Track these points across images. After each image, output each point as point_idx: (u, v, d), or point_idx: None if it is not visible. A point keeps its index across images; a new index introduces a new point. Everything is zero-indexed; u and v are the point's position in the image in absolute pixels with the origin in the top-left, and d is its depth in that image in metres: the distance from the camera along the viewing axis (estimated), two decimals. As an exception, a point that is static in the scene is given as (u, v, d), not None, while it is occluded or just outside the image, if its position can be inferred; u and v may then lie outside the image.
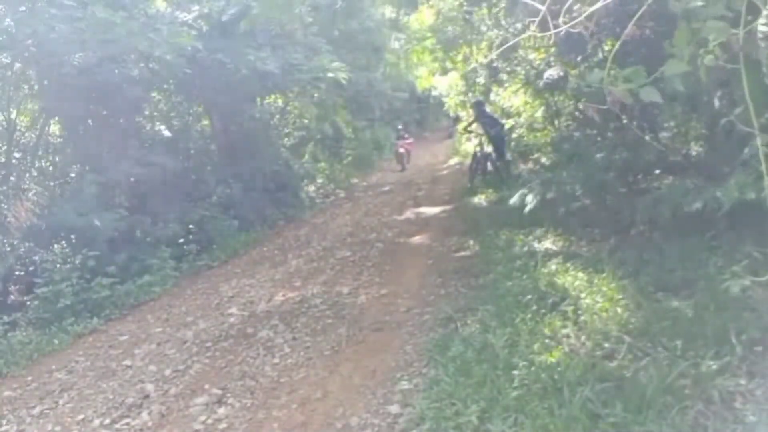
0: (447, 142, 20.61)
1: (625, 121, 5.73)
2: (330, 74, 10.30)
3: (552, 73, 7.00)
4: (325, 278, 6.63)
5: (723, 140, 4.30)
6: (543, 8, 1.94)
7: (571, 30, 2.02)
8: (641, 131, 5.36)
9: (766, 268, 2.53)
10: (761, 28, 1.86)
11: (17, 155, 8.13)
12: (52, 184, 8.59)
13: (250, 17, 5.72)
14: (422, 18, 11.52)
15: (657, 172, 5.67)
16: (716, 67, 1.84)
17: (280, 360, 4.52)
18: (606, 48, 5.66)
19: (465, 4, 8.70)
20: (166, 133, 10.31)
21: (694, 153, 5.64)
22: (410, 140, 18.02)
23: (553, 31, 2.02)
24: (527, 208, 5.98)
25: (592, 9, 1.91)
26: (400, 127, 18.88)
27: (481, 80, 10.22)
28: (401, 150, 17.40)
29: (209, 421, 3.73)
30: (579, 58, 6.09)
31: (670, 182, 5.25)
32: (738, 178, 3.46)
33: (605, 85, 1.88)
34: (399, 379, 3.85)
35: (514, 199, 6.25)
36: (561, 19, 1.99)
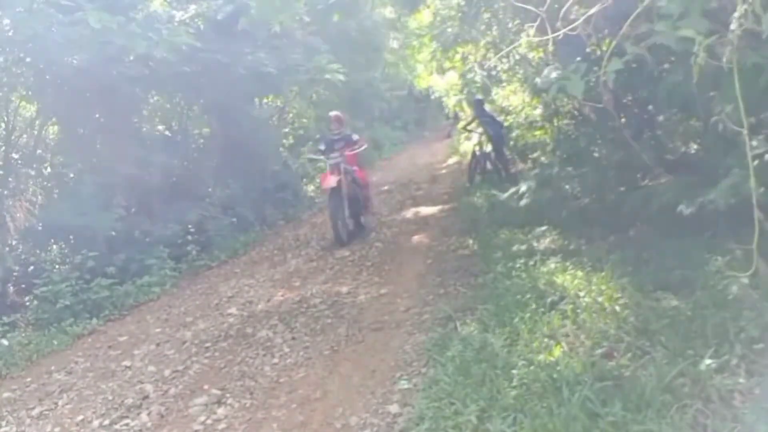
0: (446, 142, 20.52)
1: (624, 120, 5.72)
2: (327, 75, 10.30)
3: (548, 73, 6.98)
4: (324, 278, 6.63)
5: (716, 139, 4.28)
6: (542, 13, 1.94)
7: (569, 33, 2.03)
8: (638, 130, 5.36)
9: (748, 265, 2.52)
10: (733, 27, 1.86)
11: (15, 156, 8.13)
12: (50, 184, 8.60)
13: (249, 17, 5.70)
14: (420, 17, 11.56)
15: (657, 171, 5.67)
16: (709, 66, 1.85)
17: (280, 360, 4.52)
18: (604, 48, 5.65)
19: (462, 4, 8.70)
20: (165, 133, 10.31)
21: (692, 152, 5.64)
22: (359, 146, 8.21)
23: (550, 36, 2.03)
24: (522, 202, 5.96)
25: (589, 12, 1.92)
26: (333, 113, 8.67)
27: (479, 80, 10.22)
28: (334, 179, 7.52)
29: (208, 422, 3.73)
30: (577, 59, 6.08)
31: (664, 181, 5.24)
32: (731, 179, 3.45)
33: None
34: (398, 379, 3.85)
35: (507, 195, 6.24)
36: (559, 23, 2.00)
